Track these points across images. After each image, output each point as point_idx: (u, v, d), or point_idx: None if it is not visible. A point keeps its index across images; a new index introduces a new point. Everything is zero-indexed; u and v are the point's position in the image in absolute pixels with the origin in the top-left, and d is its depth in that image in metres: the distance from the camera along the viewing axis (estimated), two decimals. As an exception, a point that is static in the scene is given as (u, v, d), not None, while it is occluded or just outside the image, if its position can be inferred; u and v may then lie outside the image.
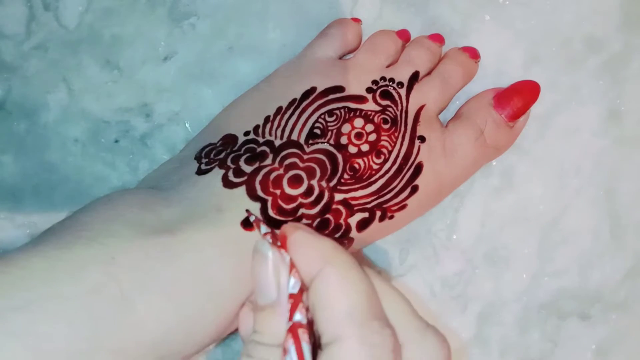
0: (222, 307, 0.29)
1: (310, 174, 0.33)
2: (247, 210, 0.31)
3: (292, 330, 0.23)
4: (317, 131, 0.34)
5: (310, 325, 0.24)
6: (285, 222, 0.32)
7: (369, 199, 0.34)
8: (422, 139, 0.36)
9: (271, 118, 0.35)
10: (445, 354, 0.25)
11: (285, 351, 0.23)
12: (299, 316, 0.24)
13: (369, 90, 0.36)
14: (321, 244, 0.25)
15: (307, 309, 0.24)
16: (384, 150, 0.35)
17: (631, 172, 0.41)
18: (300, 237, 0.25)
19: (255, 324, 0.25)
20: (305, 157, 0.34)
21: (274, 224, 0.32)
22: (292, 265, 0.25)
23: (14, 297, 0.24)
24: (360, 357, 0.22)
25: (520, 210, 0.41)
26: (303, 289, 0.25)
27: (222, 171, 0.33)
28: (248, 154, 0.34)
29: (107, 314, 0.26)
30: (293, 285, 0.25)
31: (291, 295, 0.25)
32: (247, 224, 0.31)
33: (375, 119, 0.35)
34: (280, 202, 0.32)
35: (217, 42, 0.41)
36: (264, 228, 0.27)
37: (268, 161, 0.33)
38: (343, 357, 0.22)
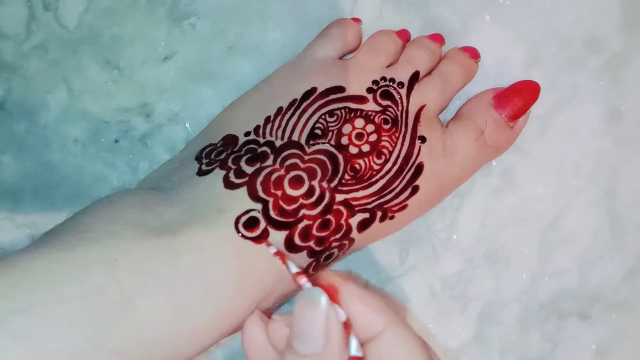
0: (223, 308, 0.29)
1: (311, 174, 0.33)
2: (266, 242, 0.31)
3: None
4: (318, 132, 0.34)
5: None
6: (287, 223, 0.32)
7: (370, 200, 0.34)
8: (423, 139, 0.36)
9: (272, 118, 0.35)
10: None
11: None
12: None
13: (369, 90, 0.36)
14: (378, 303, 0.25)
15: None
16: (385, 151, 0.35)
17: (631, 172, 0.41)
18: (354, 292, 0.26)
19: None
20: (306, 157, 0.34)
21: (274, 225, 0.32)
22: (349, 323, 0.25)
23: (15, 299, 0.24)
24: None
25: (520, 210, 0.41)
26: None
27: (223, 172, 0.33)
28: (249, 155, 0.33)
29: (109, 315, 0.26)
30: (357, 348, 0.25)
31: (355, 359, 0.24)
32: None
33: (376, 120, 0.35)
34: (281, 203, 0.32)
35: (217, 42, 0.41)
36: (294, 267, 0.26)
37: (269, 162, 0.33)
38: None
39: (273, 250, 0.29)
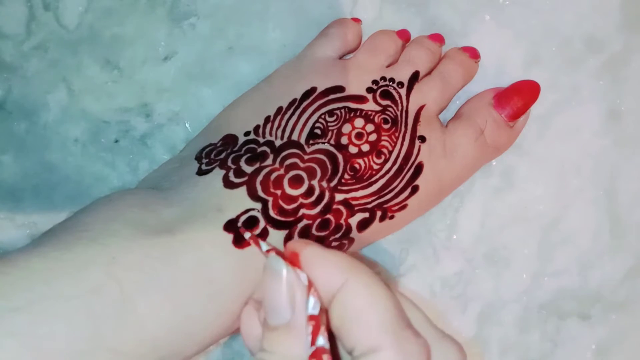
0: (223, 307, 0.29)
1: (311, 174, 0.33)
2: (240, 228, 0.31)
3: (317, 355, 0.23)
4: (318, 131, 0.34)
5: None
6: (286, 222, 0.32)
7: (370, 199, 0.34)
8: (423, 139, 0.36)
9: (271, 118, 0.35)
10: None
11: None
12: (322, 340, 0.23)
13: (369, 90, 0.36)
14: (338, 258, 0.25)
15: (328, 331, 0.24)
16: (385, 151, 0.35)
17: (631, 172, 0.41)
18: (314, 253, 0.25)
19: (264, 343, 0.25)
20: (306, 157, 0.34)
21: (274, 224, 0.32)
22: (311, 284, 0.24)
23: (14, 298, 0.24)
24: None
25: (520, 210, 0.41)
26: (323, 308, 0.24)
27: (223, 171, 0.33)
28: (248, 154, 0.34)
29: (108, 314, 0.26)
30: (313, 306, 0.24)
31: (312, 317, 0.24)
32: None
33: (376, 119, 0.35)
34: (281, 202, 0.32)
35: (217, 42, 0.41)
36: (265, 245, 0.26)
37: (268, 161, 0.33)
38: None
39: (247, 235, 0.29)
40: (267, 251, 0.26)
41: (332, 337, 0.25)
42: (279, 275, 0.24)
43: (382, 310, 0.23)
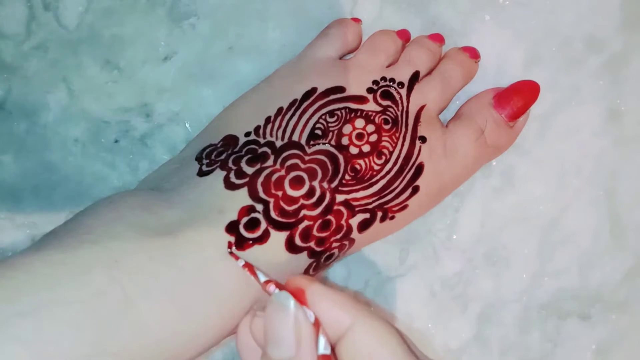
0: (225, 309, 0.29)
1: (312, 175, 0.33)
2: (232, 254, 0.30)
3: None
4: (318, 132, 0.34)
5: None
6: (288, 223, 0.32)
7: (370, 200, 0.34)
8: (423, 139, 0.36)
9: (272, 119, 0.35)
10: None
11: None
12: None
13: (369, 90, 0.36)
14: (343, 299, 0.25)
15: None
16: (385, 151, 0.35)
17: (631, 172, 0.41)
18: (320, 292, 0.25)
19: None
20: (307, 158, 0.34)
21: (275, 225, 0.32)
22: (319, 323, 0.25)
23: (17, 302, 0.24)
24: None
25: (520, 210, 0.41)
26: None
27: (224, 172, 0.33)
28: (249, 155, 0.33)
29: (111, 318, 0.26)
30: (325, 346, 0.24)
31: (324, 357, 0.24)
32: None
33: (376, 120, 0.35)
34: (282, 203, 0.32)
35: (217, 42, 0.41)
36: (262, 276, 0.26)
37: (269, 162, 0.33)
38: None
39: (241, 263, 0.29)
40: (266, 282, 0.26)
41: None
42: (286, 310, 0.24)
43: (394, 349, 0.24)
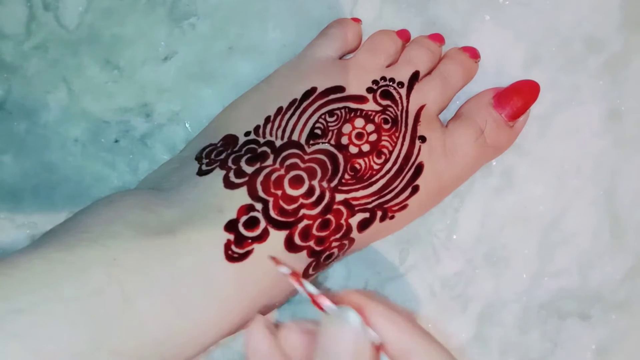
0: (224, 308, 0.29)
1: (311, 174, 0.33)
2: (275, 259, 0.29)
3: None
4: (318, 131, 0.34)
5: None
6: (287, 223, 0.32)
7: (370, 199, 0.34)
8: (423, 139, 0.36)
9: (272, 118, 0.35)
10: None
11: None
12: None
13: (369, 90, 0.36)
14: (402, 320, 0.25)
15: None
16: (385, 151, 0.35)
17: (631, 172, 0.41)
18: (380, 311, 0.25)
19: None
20: (306, 157, 0.34)
21: (274, 225, 0.32)
22: (383, 346, 0.24)
23: (16, 300, 0.24)
24: None
25: (520, 210, 0.41)
26: None
27: (223, 172, 0.33)
28: (249, 155, 0.34)
29: (109, 316, 0.26)
30: None
31: None
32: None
33: (376, 119, 0.35)
34: (281, 202, 0.32)
35: (217, 42, 0.41)
36: (312, 288, 0.25)
37: (269, 162, 0.33)
38: None
39: (287, 271, 0.28)
40: (318, 295, 0.25)
41: None
42: (348, 326, 0.24)
43: None
